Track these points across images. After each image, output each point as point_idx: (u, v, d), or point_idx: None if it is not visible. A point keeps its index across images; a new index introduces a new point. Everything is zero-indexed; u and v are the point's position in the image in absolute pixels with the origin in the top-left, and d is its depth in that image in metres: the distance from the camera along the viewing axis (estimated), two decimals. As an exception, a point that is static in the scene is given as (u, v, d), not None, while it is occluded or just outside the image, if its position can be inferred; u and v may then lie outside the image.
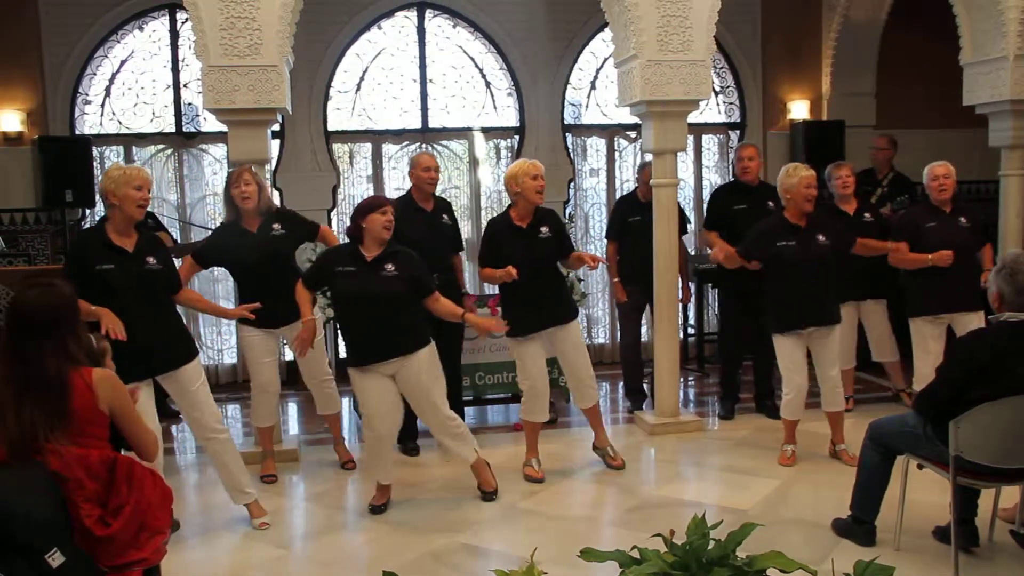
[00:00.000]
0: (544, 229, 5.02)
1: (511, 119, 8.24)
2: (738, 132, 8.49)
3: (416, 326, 4.61)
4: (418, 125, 8.08)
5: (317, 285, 4.70)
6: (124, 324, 4.06)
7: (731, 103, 8.54)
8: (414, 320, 4.61)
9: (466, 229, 7.84)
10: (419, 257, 4.67)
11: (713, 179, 8.43)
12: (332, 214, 7.91)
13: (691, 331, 8.04)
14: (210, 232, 6.45)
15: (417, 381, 4.61)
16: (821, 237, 5.14)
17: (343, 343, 4.76)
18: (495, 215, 5.91)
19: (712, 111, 8.47)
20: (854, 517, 4.15)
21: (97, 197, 6.76)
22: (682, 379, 6.62)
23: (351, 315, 4.56)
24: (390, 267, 4.52)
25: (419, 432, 5.93)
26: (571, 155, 8.24)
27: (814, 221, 5.18)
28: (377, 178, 8.00)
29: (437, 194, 5.85)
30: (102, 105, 7.71)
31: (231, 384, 7.65)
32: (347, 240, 4.71)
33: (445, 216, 5.72)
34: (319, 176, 7.85)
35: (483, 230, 5.29)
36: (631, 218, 6.35)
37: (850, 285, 5.69)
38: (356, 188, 7.99)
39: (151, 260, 4.26)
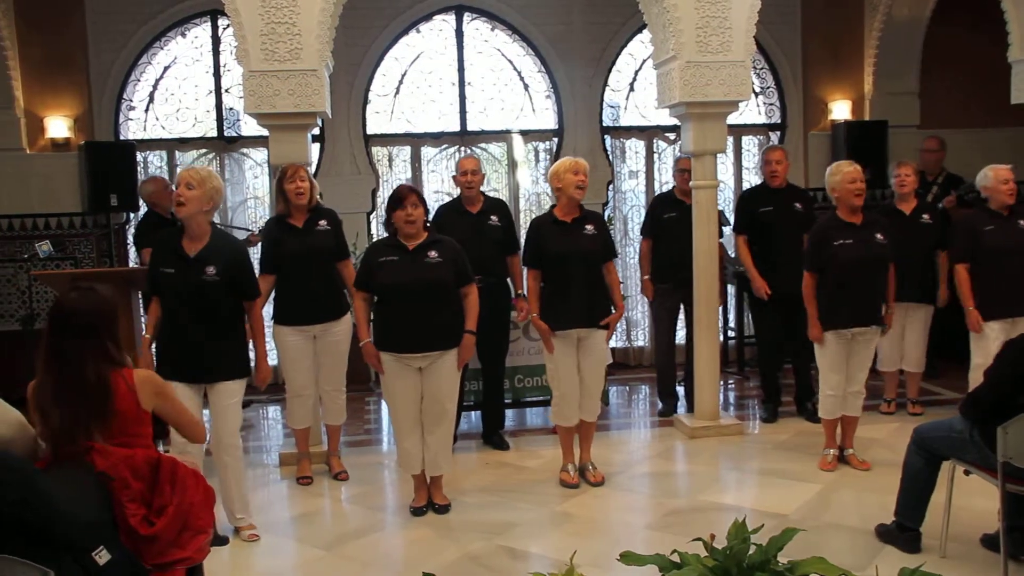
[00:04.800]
0: (589, 227, 5.00)
1: (549, 121, 8.24)
2: (779, 133, 8.41)
3: (456, 321, 4.60)
4: (457, 128, 8.11)
5: (368, 285, 4.65)
6: (176, 330, 4.22)
7: (771, 104, 8.46)
8: (455, 314, 4.60)
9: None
10: (458, 244, 4.67)
11: (753, 181, 8.28)
12: (371, 217, 7.97)
13: (731, 333, 7.97)
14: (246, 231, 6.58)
15: (441, 381, 4.60)
16: (879, 236, 5.07)
17: (375, 329, 4.70)
18: (536, 216, 5.90)
19: (752, 112, 8.40)
20: (898, 523, 4.08)
21: (140, 201, 6.87)
22: (722, 382, 6.55)
23: (396, 304, 4.53)
24: (433, 254, 4.53)
25: (505, 426, 6.05)
26: (610, 157, 8.23)
27: (870, 219, 5.12)
28: (416, 181, 8.03)
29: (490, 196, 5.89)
30: (146, 111, 7.85)
31: (272, 386, 7.65)
32: (386, 234, 4.74)
33: (494, 218, 5.71)
34: (358, 179, 7.91)
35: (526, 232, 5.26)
36: (666, 215, 6.32)
37: (905, 285, 5.58)
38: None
39: (210, 270, 4.21)
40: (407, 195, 4.54)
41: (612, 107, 8.36)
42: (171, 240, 4.32)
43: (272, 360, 7.16)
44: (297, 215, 5.17)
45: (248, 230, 6.89)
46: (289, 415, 5.42)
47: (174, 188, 4.23)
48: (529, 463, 5.55)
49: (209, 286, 4.20)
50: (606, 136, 8.25)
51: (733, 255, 6.73)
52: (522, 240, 5.40)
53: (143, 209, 6.78)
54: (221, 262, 4.24)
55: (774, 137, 8.41)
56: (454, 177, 5.86)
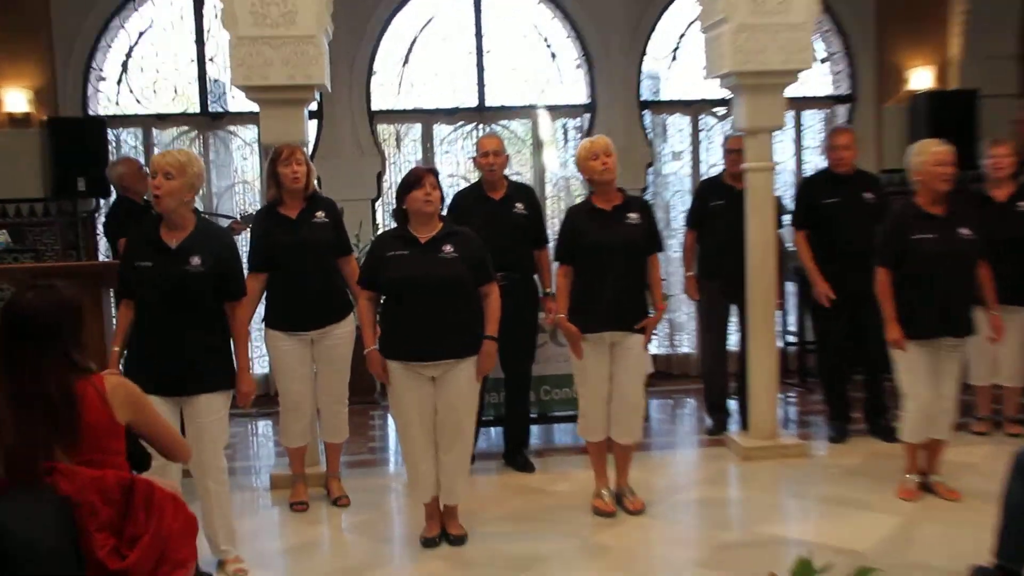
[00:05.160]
0: (633, 215, 4.95)
1: (580, 95, 8.22)
2: (847, 106, 8.33)
3: (475, 325, 4.55)
4: (474, 103, 8.12)
5: (374, 283, 4.60)
6: (152, 331, 4.16)
7: (839, 72, 8.38)
8: (473, 316, 4.55)
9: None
10: (479, 238, 4.64)
11: (816, 162, 8.24)
12: (377, 204, 7.98)
13: (791, 338, 7.92)
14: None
15: (457, 393, 4.54)
16: (965, 231, 4.96)
17: (381, 334, 4.63)
18: (572, 204, 5.86)
19: (816, 82, 8.31)
20: (999, 565, 3.95)
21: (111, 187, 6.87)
22: (781, 395, 6.51)
23: (405, 304, 4.49)
24: (449, 248, 4.48)
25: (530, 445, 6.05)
26: (649, 136, 8.18)
27: (955, 210, 5.02)
28: (427, 163, 8.00)
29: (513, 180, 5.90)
30: (118, 82, 7.88)
31: (262, 397, 7.64)
32: (394, 225, 4.70)
33: (520, 205, 5.69)
34: (362, 161, 7.91)
35: (559, 222, 5.21)
36: (714, 202, 6.32)
37: (997, 286, 5.46)
38: (403, 175, 8.00)
39: (195, 260, 4.16)
40: (424, 175, 4.52)
41: (652, 78, 8.37)
42: (147, 231, 4.27)
43: (263, 368, 7.22)
44: (291, 203, 5.15)
45: (230, 217, 6.87)
46: (282, 431, 5.39)
47: (149, 175, 4.17)
48: (558, 487, 5.52)
49: (193, 278, 4.14)
50: (645, 111, 8.22)
51: (792, 248, 6.68)
52: (552, 231, 5.35)
53: (113, 195, 6.77)
54: (207, 253, 4.19)
55: (842, 111, 8.35)
56: (473, 159, 5.86)
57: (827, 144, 6.28)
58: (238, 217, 6.80)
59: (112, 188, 6.77)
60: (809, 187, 6.35)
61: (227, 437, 4.41)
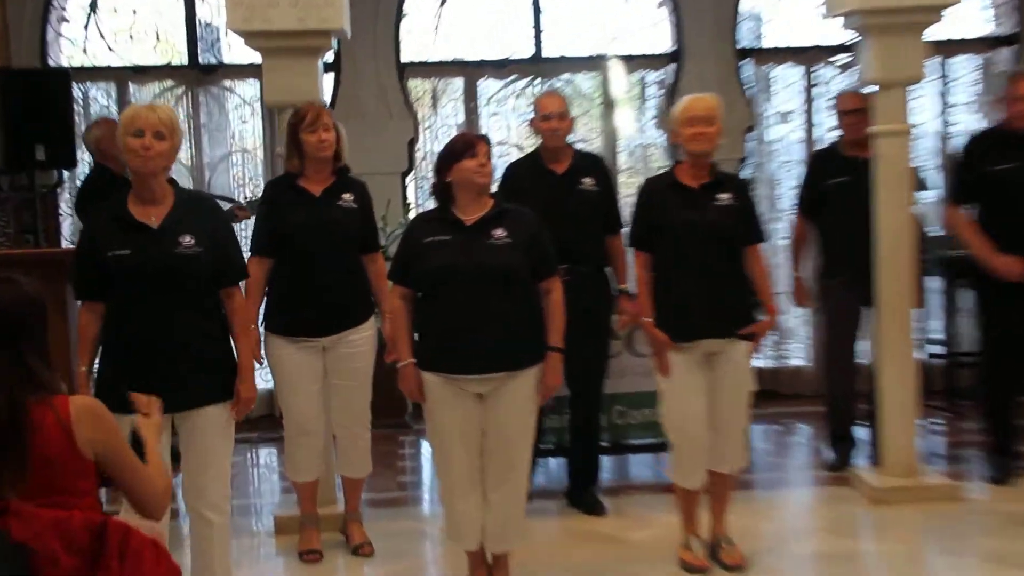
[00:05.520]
0: (724, 196, 4.91)
1: (663, 42, 8.25)
2: (1013, 49, 8.26)
3: (533, 329, 4.50)
4: (529, 52, 8.18)
5: (410, 276, 4.56)
6: (137, 332, 4.11)
7: (1001, 5, 8.33)
8: (530, 317, 4.50)
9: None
10: (537, 217, 4.59)
11: (968, 123, 8.20)
12: (408, 179, 8.04)
13: (937, 350, 7.81)
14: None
15: (511, 415, 4.49)
16: None
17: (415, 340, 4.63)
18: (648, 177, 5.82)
19: (969, 20, 8.31)
20: None
21: (82, 152, 6.90)
22: (924, 422, 6.46)
23: (444, 302, 4.46)
24: (500, 232, 4.43)
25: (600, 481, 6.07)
26: (749, 92, 8.19)
27: None
28: (471, 127, 8.08)
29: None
30: (86, 26, 8.00)
31: (264, 419, 7.69)
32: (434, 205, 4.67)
33: (588, 180, 5.68)
34: (389, 125, 7.95)
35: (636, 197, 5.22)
36: (833, 179, 6.27)
37: None
38: (442, 142, 8.01)
39: (186, 240, 4.13)
40: (476, 142, 4.47)
41: (753, 19, 8.40)
42: (114, 212, 4.21)
43: (266, 383, 7.20)
44: (316, 177, 5.17)
45: (231, 201, 6.87)
46: (289, 462, 5.38)
47: (130, 133, 4.12)
48: (635, 535, 5.51)
49: (186, 262, 4.10)
50: (744, 61, 8.24)
51: (935, 232, 6.54)
52: (627, 211, 5.33)
53: (82, 165, 6.79)
54: (199, 230, 4.16)
55: (1005, 56, 8.27)
56: (532, 122, 5.86)
57: (1005, 93, 6.11)
58: (241, 200, 6.79)
59: (81, 157, 6.79)
60: (974, 151, 6.20)
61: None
